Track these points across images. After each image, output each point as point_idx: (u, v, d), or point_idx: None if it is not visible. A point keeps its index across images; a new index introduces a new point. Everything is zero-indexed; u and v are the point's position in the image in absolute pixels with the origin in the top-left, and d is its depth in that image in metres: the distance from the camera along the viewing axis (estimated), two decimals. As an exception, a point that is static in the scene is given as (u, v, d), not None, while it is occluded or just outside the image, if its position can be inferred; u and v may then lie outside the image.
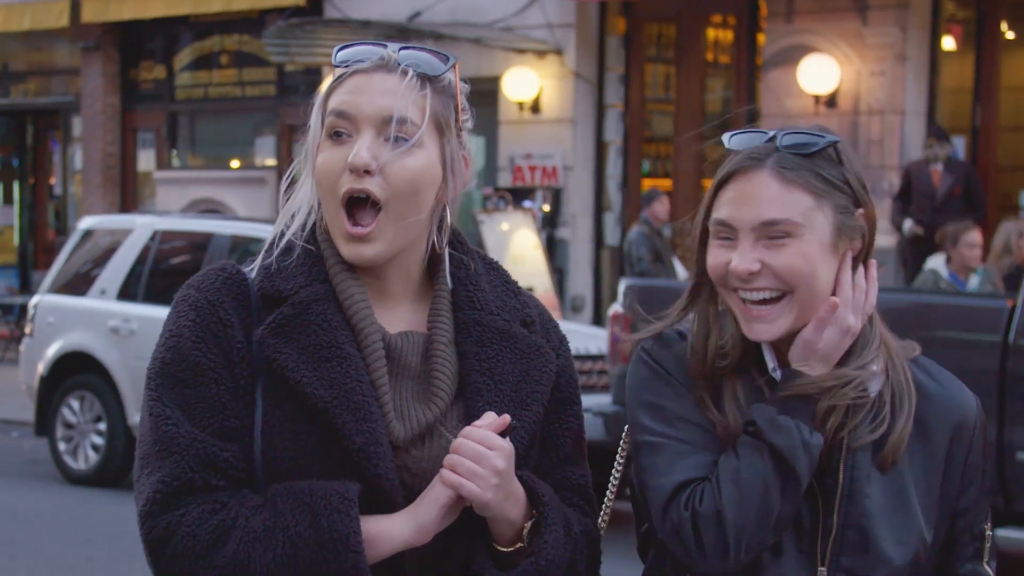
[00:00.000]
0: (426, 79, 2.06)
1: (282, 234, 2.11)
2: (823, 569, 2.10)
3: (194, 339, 2.02)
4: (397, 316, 2.12)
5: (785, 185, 2.08)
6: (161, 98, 18.30)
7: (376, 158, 2.02)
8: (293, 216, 2.12)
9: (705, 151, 2.19)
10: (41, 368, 10.26)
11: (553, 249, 14.16)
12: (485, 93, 14.00)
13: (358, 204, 2.04)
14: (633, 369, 2.21)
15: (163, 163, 18.25)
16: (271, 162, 17.21)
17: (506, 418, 2.03)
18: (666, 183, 14.26)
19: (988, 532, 2.21)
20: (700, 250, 2.16)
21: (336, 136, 2.05)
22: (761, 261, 2.08)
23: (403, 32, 14.18)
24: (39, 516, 8.95)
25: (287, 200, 2.14)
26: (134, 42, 18.27)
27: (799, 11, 13.04)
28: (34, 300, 10.76)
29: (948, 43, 12.80)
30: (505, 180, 14.53)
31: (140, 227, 10.43)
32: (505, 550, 2.07)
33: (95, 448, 10.04)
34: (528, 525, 2.07)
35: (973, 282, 9.69)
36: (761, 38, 13.52)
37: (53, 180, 19.96)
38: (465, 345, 2.11)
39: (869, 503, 2.10)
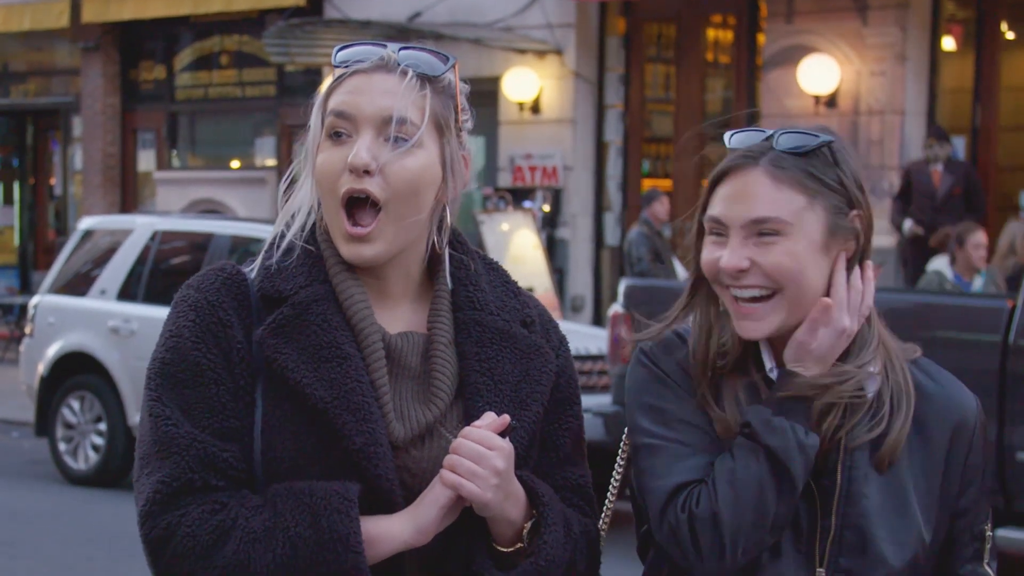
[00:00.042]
0: (426, 79, 2.06)
1: (282, 234, 2.11)
2: (821, 570, 2.10)
3: (194, 339, 2.02)
4: (397, 316, 2.12)
5: (776, 184, 2.09)
6: (161, 98, 18.30)
7: (376, 158, 2.02)
8: (293, 216, 2.12)
9: (705, 151, 2.19)
10: (41, 368, 10.26)
11: (553, 249, 14.17)
12: (485, 93, 14.00)
13: (358, 204, 2.04)
14: (632, 371, 2.21)
15: (163, 163, 18.25)
16: (271, 162, 17.21)
17: (506, 418, 2.03)
18: (666, 183, 14.26)
19: (988, 532, 2.21)
20: (697, 247, 2.17)
21: (336, 136, 2.05)
22: (750, 259, 2.09)
23: (403, 32, 14.18)
24: (39, 516, 8.95)
25: (287, 200, 2.14)
26: (134, 42, 18.27)
27: (799, 11, 13.04)
28: (34, 300, 10.76)
29: (948, 43, 12.80)
30: (505, 180, 14.53)
31: (140, 227, 10.43)
32: (505, 550, 2.07)
33: (95, 448, 10.05)
34: (528, 525, 2.07)
35: (977, 283, 9.68)
36: (761, 38, 13.52)
37: (53, 180, 19.96)
38: (465, 345, 2.11)
39: (867, 504, 2.10)
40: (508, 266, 2.33)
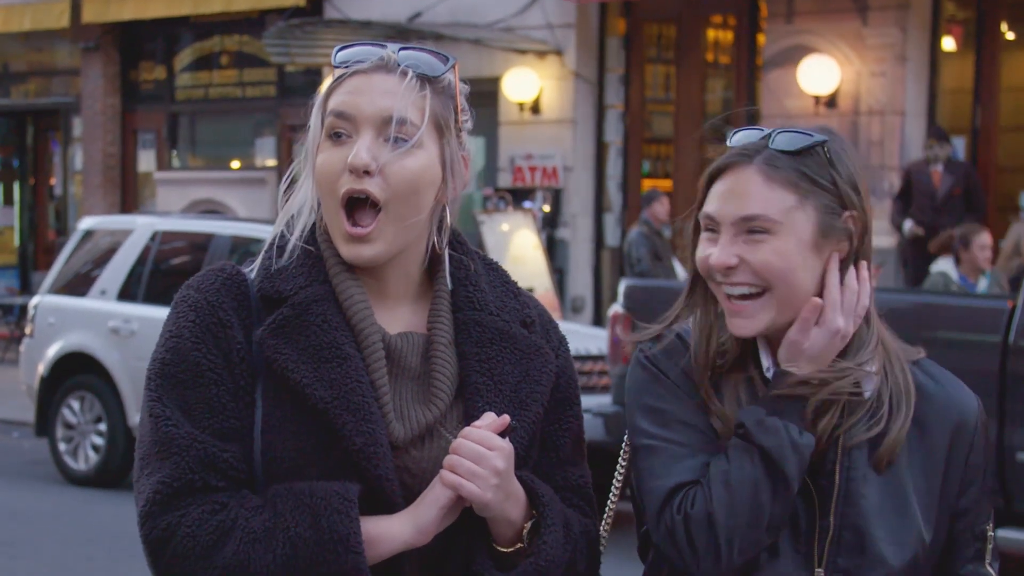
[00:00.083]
0: (426, 80, 2.06)
1: (282, 235, 2.11)
2: (820, 570, 2.10)
3: (194, 340, 2.02)
4: (397, 317, 2.12)
5: (768, 182, 2.09)
6: (161, 99, 18.30)
7: (376, 159, 2.02)
8: (293, 216, 2.12)
9: (707, 153, 2.19)
10: (41, 368, 10.27)
11: (553, 250, 14.17)
12: (485, 94, 14.00)
13: (358, 204, 2.04)
14: (632, 372, 2.22)
15: (163, 164, 18.25)
16: (271, 163, 17.21)
17: (505, 418, 2.03)
18: (666, 184, 14.26)
19: (990, 533, 2.21)
20: (694, 244, 2.17)
21: (336, 137, 2.05)
22: (739, 256, 2.09)
23: (403, 33, 14.18)
24: (39, 516, 8.95)
25: (287, 201, 2.14)
26: (134, 43, 18.27)
27: (799, 11, 13.04)
28: (34, 301, 10.76)
29: (948, 44, 12.80)
30: (505, 181, 14.53)
31: (140, 228, 10.43)
32: (505, 550, 2.07)
33: (95, 448, 10.05)
34: (528, 525, 2.07)
35: (982, 284, 9.67)
36: (761, 38, 13.52)
37: (53, 181, 19.96)
38: (465, 346, 2.11)
39: (865, 504, 2.10)
40: (508, 266, 2.33)
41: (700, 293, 2.19)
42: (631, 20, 14.42)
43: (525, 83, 14.26)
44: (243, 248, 9.66)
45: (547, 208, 14.30)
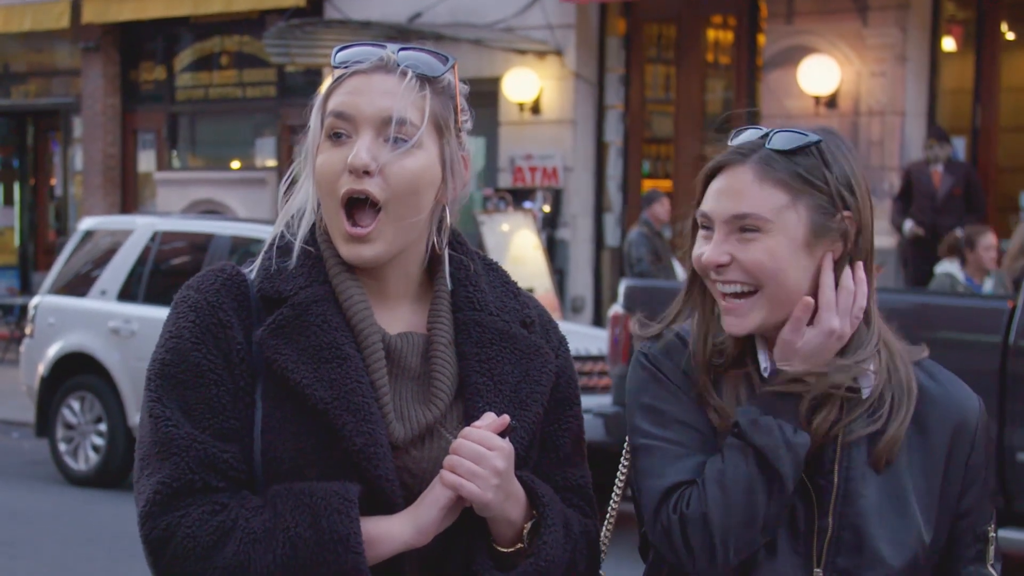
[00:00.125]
0: (425, 80, 2.06)
1: (282, 235, 2.11)
2: (819, 570, 2.10)
3: (194, 340, 2.02)
4: (397, 317, 2.12)
5: (760, 181, 2.09)
6: (161, 99, 18.30)
7: (375, 159, 2.02)
8: (293, 217, 2.12)
9: (706, 152, 2.19)
10: (41, 369, 10.26)
11: (553, 250, 14.16)
12: (485, 94, 14.00)
13: (357, 205, 2.04)
14: (632, 372, 2.22)
15: (163, 164, 18.25)
16: (271, 163, 17.21)
17: (505, 418, 2.03)
18: (666, 184, 14.26)
19: (991, 534, 2.20)
20: (692, 242, 2.18)
21: (335, 137, 2.05)
22: (730, 254, 2.10)
23: (403, 33, 14.18)
24: (39, 516, 8.95)
25: (287, 201, 2.14)
26: (134, 43, 18.27)
27: (799, 12, 13.04)
28: (34, 301, 10.76)
29: (948, 44, 12.80)
30: (505, 181, 14.53)
31: (140, 228, 10.43)
32: (505, 551, 2.07)
33: (95, 449, 10.05)
34: (528, 526, 2.07)
35: (988, 285, 9.67)
36: (761, 39, 13.52)
37: (54, 181, 19.96)
38: (465, 346, 2.11)
39: (865, 503, 2.10)
40: (508, 267, 2.33)
41: (698, 292, 2.19)
42: (631, 20, 14.42)
43: (525, 83, 14.26)
44: (243, 248, 9.66)
45: (547, 208, 14.30)
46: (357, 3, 15.39)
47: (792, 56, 12.82)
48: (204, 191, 17.00)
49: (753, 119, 2.33)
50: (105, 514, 9.04)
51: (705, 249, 2.12)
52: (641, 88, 14.53)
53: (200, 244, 10.12)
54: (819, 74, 12.60)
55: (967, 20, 12.82)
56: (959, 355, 6.76)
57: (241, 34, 17.27)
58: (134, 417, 9.64)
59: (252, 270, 2.09)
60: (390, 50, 2.08)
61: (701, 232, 2.15)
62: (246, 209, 16.04)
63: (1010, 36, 12.83)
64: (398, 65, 2.06)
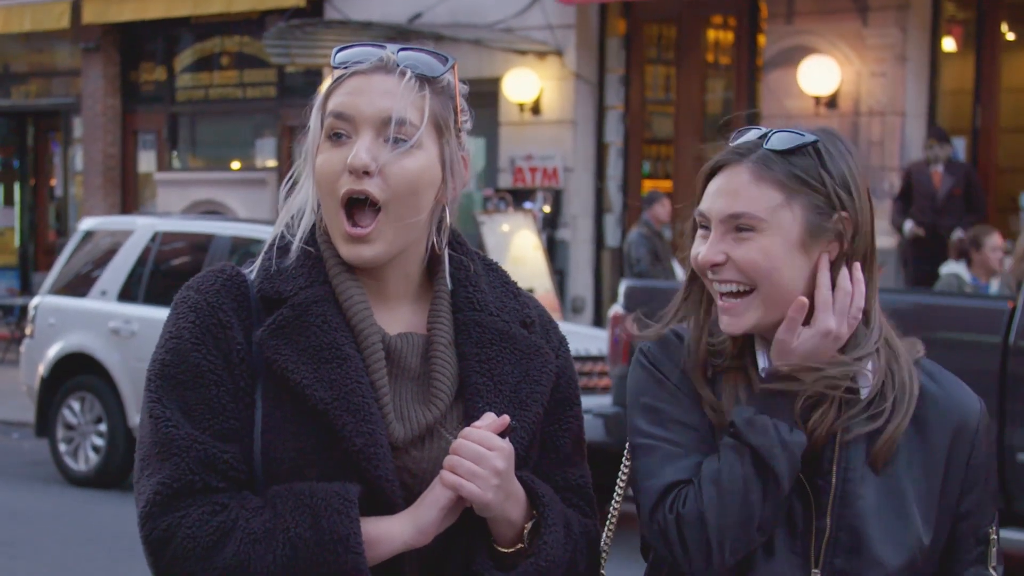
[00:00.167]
0: (425, 80, 2.06)
1: (282, 236, 2.11)
2: (816, 571, 2.10)
3: (194, 341, 2.02)
4: (397, 317, 2.12)
5: (756, 180, 2.10)
6: (162, 99, 18.30)
7: (375, 159, 2.02)
8: (293, 217, 2.13)
9: (705, 153, 2.20)
10: (42, 369, 10.26)
11: (553, 250, 14.16)
12: (485, 94, 14.00)
13: (357, 205, 2.04)
14: (632, 372, 2.22)
15: (164, 164, 18.25)
16: (272, 163, 17.21)
17: (505, 419, 2.04)
18: (667, 184, 14.26)
19: (993, 536, 2.19)
20: (691, 241, 2.18)
21: (335, 137, 2.05)
22: (726, 253, 2.10)
23: (403, 33, 14.18)
24: (39, 517, 8.95)
25: (288, 202, 2.14)
26: (135, 43, 18.27)
27: (799, 12, 13.04)
28: (35, 301, 10.76)
29: (948, 44, 12.80)
30: (505, 181, 14.53)
31: (141, 228, 10.43)
32: (505, 551, 2.07)
33: (95, 449, 10.05)
34: (528, 526, 2.07)
35: (995, 286, 9.66)
36: (761, 39, 13.52)
37: (54, 181, 19.96)
38: (465, 346, 2.11)
39: (863, 504, 2.10)
40: (508, 267, 2.33)
41: (697, 292, 2.20)
42: (631, 21, 14.42)
43: (525, 84, 14.26)
44: (243, 249, 9.66)
45: (547, 209, 14.30)
46: (357, 4, 15.39)
47: (792, 56, 12.82)
48: (204, 191, 17.00)
49: (753, 120, 2.33)
50: (105, 514, 9.04)
51: (702, 248, 2.13)
52: (641, 88, 14.53)
53: (200, 244, 10.12)
54: (819, 74, 12.60)
55: (967, 20, 12.82)
56: (959, 355, 6.77)
57: (241, 34, 17.27)
58: (134, 418, 9.64)
59: (252, 270, 2.09)
60: (390, 50, 2.08)
61: (699, 231, 2.16)
62: (246, 210, 16.05)
63: (1010, 36, 12.83)
64: (398, 65, 2.06)
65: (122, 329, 9.91)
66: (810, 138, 2.12)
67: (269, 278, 2.07)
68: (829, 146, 2.12)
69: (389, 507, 2.01)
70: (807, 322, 2.09)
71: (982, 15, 12.53)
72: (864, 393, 2.11)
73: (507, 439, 2.02)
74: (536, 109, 14.39)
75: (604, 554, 2.27)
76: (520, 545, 2.07)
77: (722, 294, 2.12)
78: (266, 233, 2.59)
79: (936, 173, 11.55)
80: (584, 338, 9.39)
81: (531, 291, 2.30)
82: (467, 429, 2.02)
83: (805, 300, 2.08)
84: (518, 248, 13.20)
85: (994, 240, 9.74)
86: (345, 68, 2.08)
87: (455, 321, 2.13)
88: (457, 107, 2.11)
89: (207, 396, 2.00)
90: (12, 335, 16.63)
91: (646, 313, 2.28)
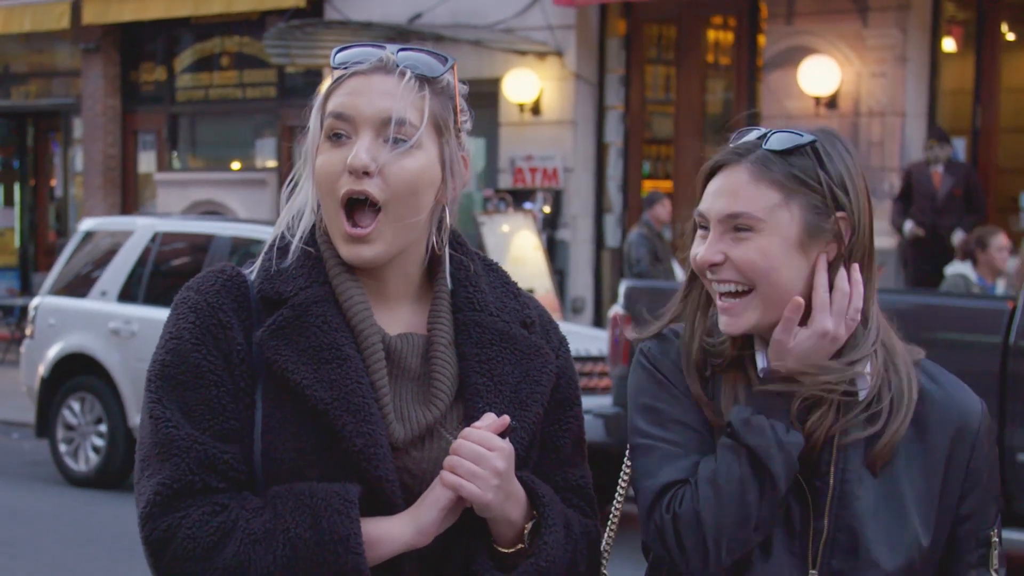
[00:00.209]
0: (424, 80, 2.06)
1: (282, 236, 2.11)
2: (814, 572, 2.10)
3: (194, 341, 2.02)
4: (397, 318, 2.12)
5: (754, 180, 2.10)
6: (162, 100, 18.30)
7: (375, 159, 2.02)
8: (293, 218, 2.13)
9: (705, 153, 2.20)
10: (42, 370, 10.27)
11: (554, 251, 14.16)
12: (485, 95, 14.00)
13: (357, 205, 2.04)
14: (632, 372, 2.22)
15: (164, 165, 18.25)
16: (272, 164, 17.21)
17: (505, 419, 2.04)
18: (667, 184, 14.26)
19: (995, 539, 2.18)
20: (691, 241, 2.18)
21: (335, 138, 2.05)
22: (724, 253, 2.10)
23: (403, 34, 14.18)
24: (39, 517, 8.95)
25: (288, 203, 2.14)
26: (135, 44, 18.27)
27: (799, 12, 13.04)
28: (35, 302, 10.77)
29: (948, 44, 12.80)
30: (506, 182, 14.53)
31: (141, 229, 10.43)
32: (506, 551, 2.07)
33: (95, 449, 10.05)
34: (529, 526, 2.07)
35: (1001, 286, 9.65)
36: (761, 39, 13.52)
37: (54, 182, 19.96)
38: (465, 346, 2.11)
39: (860, 505, 2.09)
40: (508, 267, 2.33)
41: (696, 292, 2.20)
42: (631, 21, 14.42)
43: (525, 84, 14.26)
44: (243, 249, 9.66)
45: (547, 209, 14.30)
46: (357, 4, 15.39)
47: (792, 57, 12.82)
48: (204, 192, 17.00)
49: (753, 120, 2.33)
50: (105, 515, 9.04)
51: (700, 249, 2.13)
52: (641, 89, 14.53)
53: (200, 245, 10.12)
54: (819, 75, 12.60)
55: (967, 21, 12.81)
56: (959, 356, 6.77)
57: (241, 35, 17.27)
58: (134, 418, 9.63)
59: (252, 271, 2.09)
60: (389, 51, 2.08)
61: (699, 232, 2.16)
62: (246, 210, 16.05)
63: (1010, 37, 12.83)
64: (397, 66, 2.06)
65: (122, 329, 9.91)
66: (808, 138, 2.12)
67: (269, 278, 2.07)
68: (828, 146, 2.12)
69: (389, 507, 2.01)
70: (805, 322, 2.09)
71: (982, 15, 12.53)
72: (862, 395, 2.11)
73: (507, 439, 2.02)
74: (536, 109, 14.39)
75: (605, 555, 2.27)
76: (520, 545, 2.07)
77: (721, 294, 2.12)
78: (266, 234, 2.59)
79: (936, 173, 11.55)
80: (584, 338, 9.39)
81: (531, 291, 2.30)
82: (467, 429, 2.02)
83: (800, 300, 2.08)
84: (518, 248, 13.20)
85: (1000, 240, 9.73)
86: (345, 68, 2.08)
87: (455, 321, 2.13)
88: (457, 107, 2.11)
89: (207, 397, 2.00)
90: (12, 335, 16.64)
91: (646, 316, 2.28)
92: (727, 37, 14.27)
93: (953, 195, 11.49)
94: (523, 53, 14.27)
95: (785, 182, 2.09)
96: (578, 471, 2.20)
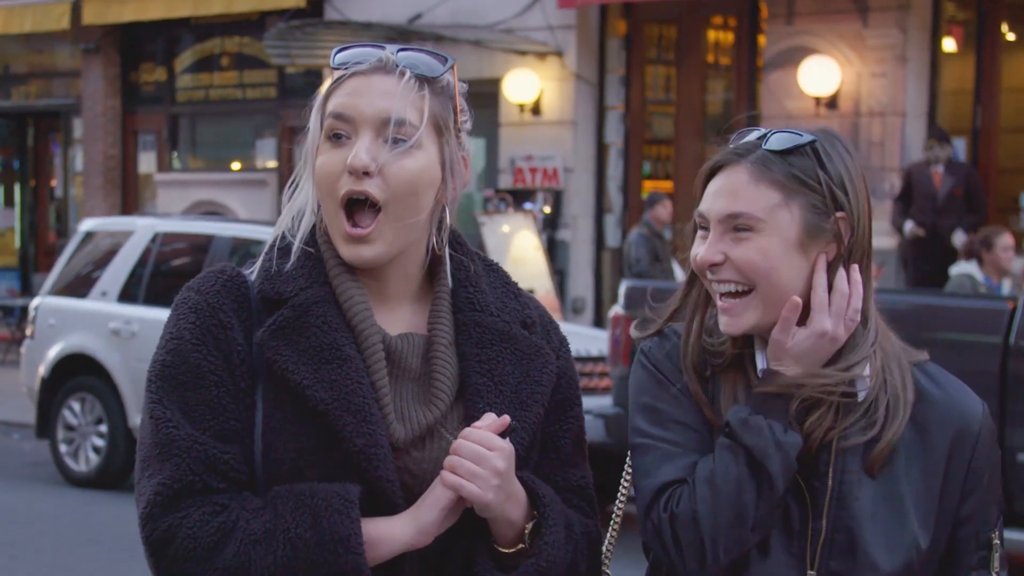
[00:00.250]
0: (424, 80, 2.06)
1: (283, 236, 2.11)
2: (812, 572, 2.09)
3: (194, 341, 2.02)
4: (397, 318, 2.12)
5: (754, 180, 2.10)
6: (162, 100, 18.30)
7: (375, 160, 2.02)
8: (293, 218, 2.13)
9: (706, 154, 2.20)
10: (42, 370, 10.27)
11: (554, 251, 14.17)
12: (486, 95, 14.00)
13: (357, 205, 2.04)
14: (633, 371, 2.23)
15: (164, 165, 18.25)
16: (272, 164, 17.21)
17: (505, 419, 2.04)
18: (667, 185, 14.26)
19: (996, 541, 2.17)
20: (691, 242, 2.19)
21: (335, 138, 2.05)
22: (724, 253, 2.10)
23: (403, 34, 14.18)
24: (40, 517, 8.95)
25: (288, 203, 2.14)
26: (135, 44, 18.28)
27: (800, 12, 13.04)
28: (35, 302, 10.77)
29: (949, 44, 12.80)
30: (506, 182, 14.53)
31: (141, 229, 10.43)
32: (506, 551, 2.07)
33: (96, 450, 10.05)
34: (529, 526, 2.07)
35: (1007, 286, 9.65)
36: (762, 40, 13.52)
37: (54, 182, 19.96)
38: (465, 347, 2.11)
39: (858, 507, 2.09)
40: (509, 268, 2.33)
41: (696, 292, 2.20)
42: (631, 21, 14.42)
43: (525, 84, 14.26)
44: (243, 250, 9.67)
45: (548, 209, 14.30)
46: (357, 4, 15.39)
47: (792, 57, 12.82)
48: (204, 192, 17.00)
49: (754, 121, 2.34)
50: (106, 515, 9.04)
51: (701, 249, 2.13)
52: (641, 89, 14.53)
53: (200, 245, 10.12)
54: (819, 75, 12.60)
55: (967, 21, 12.81)
56: (959, 356, 6.77)
57: (241, 35, 17.27)
58: (134, 418, 9.64)
59: (253, 271, 2.09)
60: (389, 51, 2.08)
61: (699, 232, 2.16)
62: (246, 210, 16.05)
63: (1010, 37, 12.83)
64: (397, 66, 2.06)
65: (122, 330, 9.92)
66: (808, 138, 2.12)
67: (269, 279, 2.07)
68: (827, 146, 2.12)
69: (390, 508, 2.01)
70: (804, 323, 2.09)
71: (982, 15, 12.53)
72: (861, 395, 2.11)
73: (507, 439, 2.02)
74: (536, 110, 14.39)
75: (608, 555, 2.27)
76: (521, 545, 2.07)
77: (721, 294, 2.12)
78: (266, 234, 2.59)
79: (936, 174, 11.55)
80: (584, 339, 9.39)
81: (531, 292, 2.30)
82: (467, 429, 2.02)
83: (798, 300, 2.08)
84: (518, 249, 13.20)
85: (1005, 240, 9.72)
86: (345, 69, 2.08)
87: (455, 321, 2.13)
88: (457, 107, 2.11)
89: (208, 397, 2.00)
90: (12, 336, 16.64)
91: (646, 317, 2.28)
92: (727, 37, 14.27)
93: (953, 195, 11.49)
94: (523, 53, 14.27)
95: (785, 182, 2.09)
96: (579, 471, 2.20)
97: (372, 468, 1.98)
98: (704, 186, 2.16)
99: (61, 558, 7.87)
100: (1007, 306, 7.01)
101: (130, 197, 18.42)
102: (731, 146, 2.16)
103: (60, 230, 19.41)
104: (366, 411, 1.99)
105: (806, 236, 2.09)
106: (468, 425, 2.03)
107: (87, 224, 11.13)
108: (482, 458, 1.98)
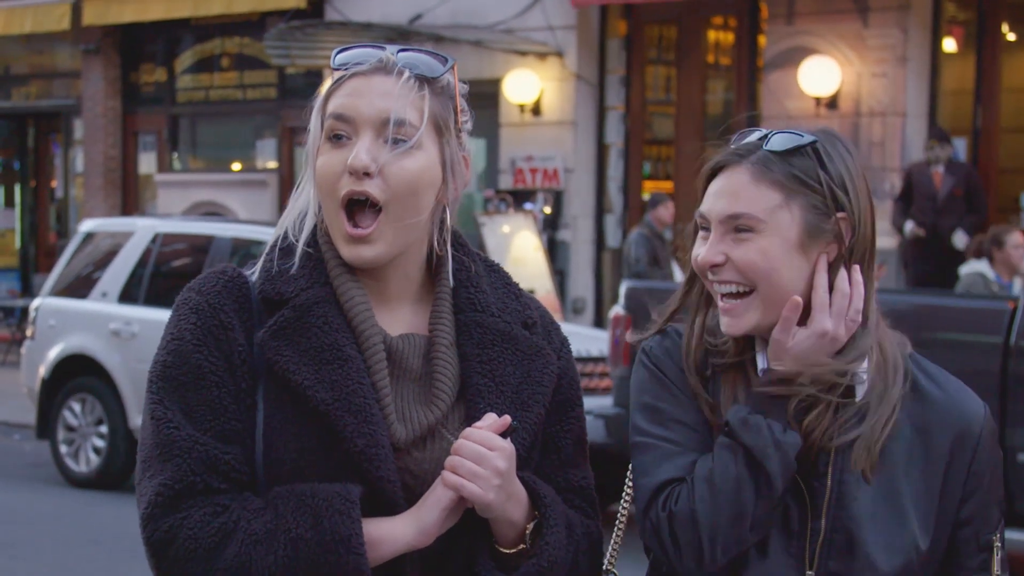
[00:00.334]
0: (424, 80, 2.06)
1: (283, 237, 2.12)
2: (811, 572, 2.09)
3: (195, 342, 2.02)
4: (398, 318, 2.12)
5: (755, 181, 2.10)
6: (162, 101, 18.30)
7: (375, 160, 2.02)
8: (294, 219, 2.13)
9: (707, 155, 2.20)
10: (42, 371, 10.27)
11: (554, 251, 14.17)
12: (486, 95, 14.00)
13: (358, 206, 2.04)
14: (634, 371, 2.23)
15: (164, 166, 18.25)
16: (272, 165, 17.21)
17: (506, 419, 2.04)
18: (667, 185, 14.27)
19: (997, 543, 2.17)
20: (692, 242, 2.19)
21: (335, 139, 2.05)
22: (725, 254, 2.11)
23: (404, 34, 14.18)
24: (40, 518, 8.95)
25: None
26: (135, 45, 18.28)
27: (800, 13, 13.04)
28: (35, 303, 10.77)
29: (949, 45, 12.80)
30: (506, 182, 14.53)
31: (141, 230, 10.44)
32: (507, 551, 2.07)
33: (96, 451, 10.05)
34: (530, 526, 2.07)
35: (1017, 284, 9.64)
36: (762, 40, 13.52)
37: (54, 183, 19.97)
38: (466, 347, 2.11)
39: (857, 507, 2.09)
40: (509, 268, 2.33)
41: (697, 292, 2.20)
42: (632, 22, 14.42)
43: (526, 85, 14.26)
44: (244, 250, 9.67)
45: (548, 210, 14.31)
46: (357, 5, 15.39)
47: (793, 57, 12.82)
48: (205, 193, 17.00)
49: (754, 121, 2.34)
50: (106, 516, 9.04)
51: (701, 250, 2.13)
52: (642, 89, 14.53)
53: (201, 246, 10.12)
54: (820, 75, 12.60)
55: (968, 21, 12.81)
56: (960, 356, 6.77)
57: (242, 36, 17.28)
58: (135, 419, 9.64)
59: (253, 272, 2.10)
60: (389, 51, 2.08)
61: (700, 232, 2.16)
62: (247, 211, 16.05)
63: (1011, 37, 12.83)
64: (397, 66, 2.06)
65: (123, 331, 9.92)
66: (809, 139, 2.12)
67: (270, 279, 2.07)
68: (828, 147, 2.12)
69: (391, 508, 2.01)
70: (804, 323, 2.09)
71: (982, 15, 12.53)
72: (860, 396, 2.11)
73: (508, 439, 2.02)
74: (536, 110, 14.40)
75: (613, 556, 2.27)
76: (522, 546, 2.07)
77: (722, 295, 2.13)
78: (267, 235, 2.59)
79: (937, 174, 11.55)
80: (585, 339, 9.39)
81: (532, 292, 2.30)
82: (468, 430, 2.02)
83: (799, 299, 2.08)
84: (519, 249, 13.21)
85: (1016, 238, 9.71)
86: (345, 69, 2.08)
87: (456, 322, 2.13)
88: (457, 107, 2.11)
89: (209, 397, 2.00)
90: (13, 337, 16.64)
91: (646, 317, 2.28)
92: (727, 37, 14.27)
93: (954, 195, 11.49)
94: (523, 54, 14.28)
95: (786, 183, 2.09)
96: (580, 472, 2.20)
97: (373, 468, 1.98)
98: (705, 187, 2.17)
99: (61, 559, 7.87)
100: (1007, 306, 7.01)
101: (130, 198, 18.43)
102: (732, 147, 2.16)
103: (60, 231, 19.42)
104: (367, 411, 1.99)
105: (807, 236, 2.09)
106: (469, 425, 2.03)
107: (87, 225, 11.13)
108: (483, 458, 1.98)
